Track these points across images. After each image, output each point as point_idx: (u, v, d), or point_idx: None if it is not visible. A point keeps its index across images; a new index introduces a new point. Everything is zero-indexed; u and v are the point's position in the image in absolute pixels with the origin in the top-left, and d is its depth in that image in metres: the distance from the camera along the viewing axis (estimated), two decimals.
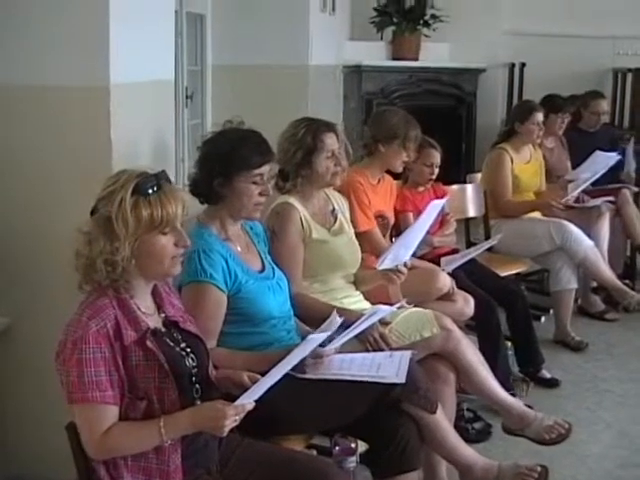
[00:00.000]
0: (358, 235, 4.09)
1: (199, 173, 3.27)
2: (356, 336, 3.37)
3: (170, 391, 2.52)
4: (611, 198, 6.31)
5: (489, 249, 5.12)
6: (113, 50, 3.26)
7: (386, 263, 3.81)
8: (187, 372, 2.61)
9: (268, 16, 6.01)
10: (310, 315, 3.53)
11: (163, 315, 2.68)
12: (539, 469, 3.36)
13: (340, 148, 3.86)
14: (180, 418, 2.49)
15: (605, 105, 7.01)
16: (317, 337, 2.92)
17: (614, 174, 6.45)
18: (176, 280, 3.04)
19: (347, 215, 4.05)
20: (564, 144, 6.61)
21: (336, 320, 3.06)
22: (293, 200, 3.77)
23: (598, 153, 6.20)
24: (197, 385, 2.63)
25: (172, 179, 2.72)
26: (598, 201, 6.19)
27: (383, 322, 3.55)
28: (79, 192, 3.12)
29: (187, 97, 5.49)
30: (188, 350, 2.66)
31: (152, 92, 3.71)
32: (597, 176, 6.04)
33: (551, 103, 6.30)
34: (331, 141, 3.81)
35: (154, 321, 2.61)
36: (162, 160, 3.74)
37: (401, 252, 3.89)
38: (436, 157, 4.93)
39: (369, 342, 3.46)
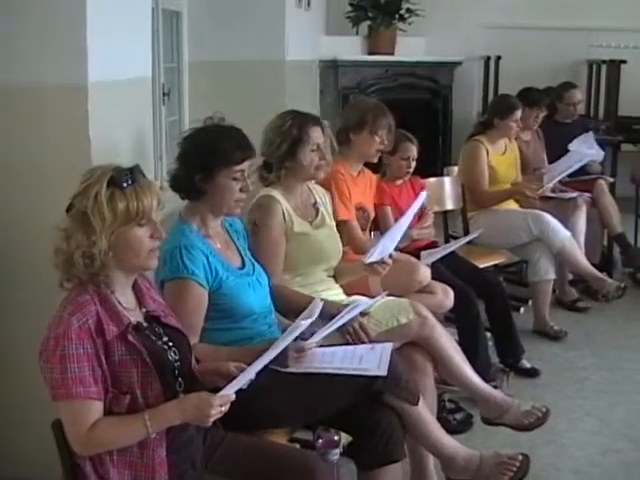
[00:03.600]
0: (336, 225, 4.10)
1: (180, 168, 3.27)
2: (337, 329, 3.38)
3: (153, 385, 2.53)
4: (588, 195, 6.35)
5: (468, 241, 5.15)
6: (91, 48, 3.26)
7: (374, 256, 3.82)
8: (170, 366, 2.62)
9: (244, 12, 6.00)
10: (290, 307, 3.54)
11: (144, 310, 2.69)
12: (520, 458, 3.40)
13: (325, 142, 3.88)
14: (165, 409, 2.50)
15: (579, 94, 7.05)
16: (302, 324, 2.94)
17: (586, 165, 6.49)
18: (158, 276, 3.06)
19: (329, 208, 4.07)
20: (540, 136, 6.64)
21: (318, 305, 3.08)
22: (276, 193, 3.78)
23: (574, 151, 6.24)
24: (180, 379, 2.64)
25: (151, 176, 2.74)
26: (575, 193, 6.24)
27: (362, 313, 3.57)
28: (58, 190, 3.07)
29: (164, 94, 5.47)
30: (170, 344, 2.67)
31: (130, 90, 3.71)
32: (572, 169, 6.09)
33: (527, 97, 6.32)
34: (317, 134, 3.83)
35: (135, 316, 2.62)
36: (141, 157, 3.73)
37: (387, 244, 3.91)
38: (413, 150, 4.95)
39: (349, 333, 3.47)
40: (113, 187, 2.50)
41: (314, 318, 3.03)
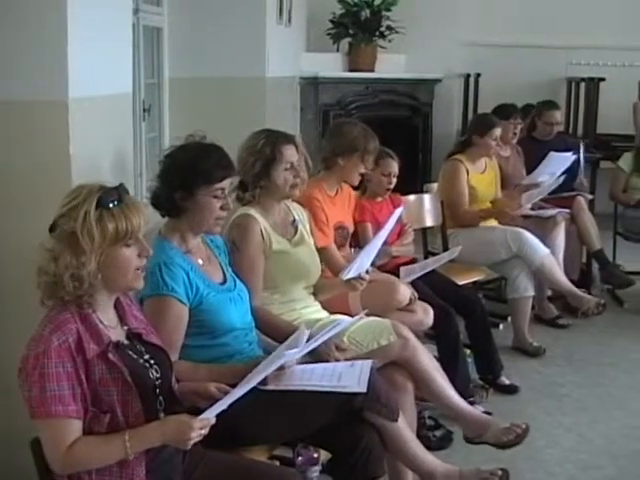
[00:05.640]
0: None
1: (160, 186, 3.27)
2: (311, 352, 3.37)
3: (134, 403, 2.52)
4: (567, 210, 6.38)
5: None
6: (71, 64, 3.24)
7: (351, 273, 3.82)
8: (151, 384, 2.61)
9: (224, 29, 6.01)
10: (269, 331, 3.54)
11: (126, 327, 2.68)
12: (500, 473, 3.41)
13: (299, 160, 3.87)
14: (145, 431, 2.50)
15: (558, 116, 7.06)
16: (288, 353, 2.94)
17: (568, 183, 6.50)
18: (138, 293, 3.05)
19: (307, 226, 4.05)
20: (519, 153, 6.66)
21: (304, 333, 3.08)
22: (253, 212, 3.77)
23: (552, 154, 6.27)
24: (161, 397, 2.63)
25: (131, 193, 2.73)
26: (554, 211, 6.27)
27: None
28: (38, 208, 3.09)
29: (144, 110, 5.47)
30: (151, 362, 2.66)
31: (111, 106, 3.70)
32: (555, 185, 6.10)
33: (501, 111, 6.36)
34: (290, 152, 3.82)
35: (117, 334, 2.61)
36: (121, 174, 3.73)
37: (364, 260, 3.91)
38: (394, 167, 4.96)
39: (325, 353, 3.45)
40: (101, 208, 2.50)
41: (299, 349, 3.03)
